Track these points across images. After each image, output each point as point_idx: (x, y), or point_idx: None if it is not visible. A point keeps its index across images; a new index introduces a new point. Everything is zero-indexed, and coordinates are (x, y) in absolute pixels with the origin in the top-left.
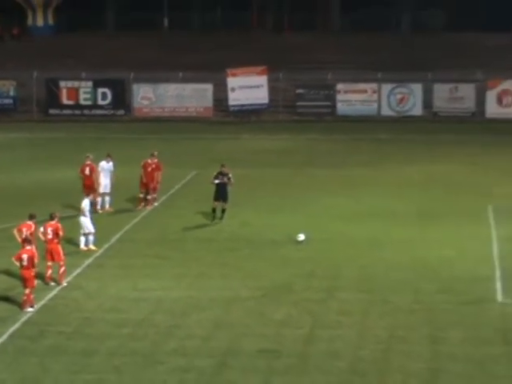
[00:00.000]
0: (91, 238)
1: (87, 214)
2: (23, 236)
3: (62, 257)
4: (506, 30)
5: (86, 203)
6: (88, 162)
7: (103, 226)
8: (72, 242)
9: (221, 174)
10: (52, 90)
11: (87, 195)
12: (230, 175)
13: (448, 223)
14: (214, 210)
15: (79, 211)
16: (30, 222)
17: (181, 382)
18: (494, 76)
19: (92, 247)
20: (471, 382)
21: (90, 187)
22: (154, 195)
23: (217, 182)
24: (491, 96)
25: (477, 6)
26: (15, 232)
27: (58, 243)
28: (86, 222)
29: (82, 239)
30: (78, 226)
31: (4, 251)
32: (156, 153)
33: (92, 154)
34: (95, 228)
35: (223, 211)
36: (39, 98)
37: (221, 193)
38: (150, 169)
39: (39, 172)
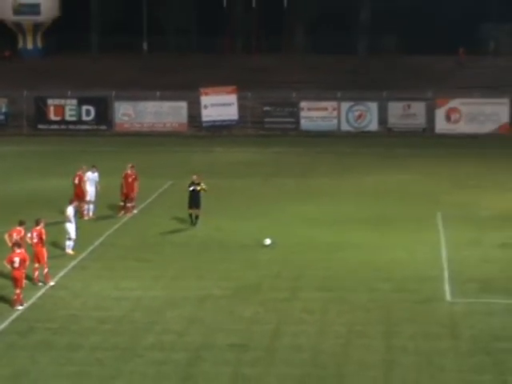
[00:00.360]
0: (71, 243)
1: (72, 220)
2: (13, 240)
3: (45, 259)
4: (452, 53)
5: (70, 210)
6: (79, 173)
7: (87, 231)
8: (59, 245)
9: (193, 184)
10: (40, 107)
11: (70, 203)
12: (202, 184)
13: (401, 228)
14: (190, 216)
15: (65, 218)
16: (19, 228)
17: (158, 374)
18: (443, 95)
19: (70, 252)
20: (421, 373)
21: (78, 195)
22: (133, 203)
23: (191, 188)
24: (440, 113)
25: (427, 32)
26: (6, 237)
27: (42, 247)
28: (70, 228)
29: (68, 243)
30: (64, 231)
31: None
32: (130, 165)
33: (79, 165)
34: (77, 235)
35: (196, 217)
36: (29, 114)
37: (194, 200)
38: (130, 179)
39: (29, 182)
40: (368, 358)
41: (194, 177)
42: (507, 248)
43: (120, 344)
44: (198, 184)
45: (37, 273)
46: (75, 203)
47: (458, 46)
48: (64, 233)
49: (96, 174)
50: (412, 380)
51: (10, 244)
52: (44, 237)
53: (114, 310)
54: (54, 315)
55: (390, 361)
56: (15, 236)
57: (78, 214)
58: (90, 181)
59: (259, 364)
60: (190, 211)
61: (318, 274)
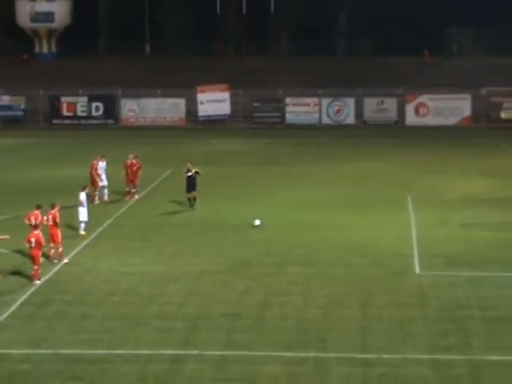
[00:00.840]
0: (83, 225)
1: (84, 204)
2: (32, 223)
3: (59, 240)
4: (421, 55)
5: (82, 196)
6: (94, 162)
7: (97, 214)
8: (72, 227)
9: (189, 171)
10: (54, 104)
11: (83, 189)
12: (197, 169)
13: (375, 210)
14: (189, 199)
15: (78, 202)
16: (37, 211)
17: (162, 341)
18: (412, 92)
19: (82, 233)
20: (393, 339)
21: (92, 182)
22: (137, 189)
23: (189, 174)
24: (410, 108)
25: (398, 35)
26: (25, 220)
27: (56, 228)
28: (82, 212)
29: (80, 225)
30: (77, 214)
31: (17, 235)
32: (131, 155)
33: (90, 156)
34: (89, 217)
35: (194, 199)
36: (44, 111)
37: (191, 185)
38: (134, 168)
39: (45, 170)
40: (346, 326)
41: (189, 164)
42: (469, 227)
43: (127, 314)
44: (193, 170)
45: (52, 251)
46: (87, 189)
47: (426, 48)
48: (77, 215)
49: (105, 163)
50: (385, 345)
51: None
52: (58, 220)
53: (121, 284)
54: (68, 289)
55: (366, 328)
56: (33, 219)
57: (90, 198)
58: (101, 169)
59: (250, 331)
60: (189, 195)
61: (302, 252)
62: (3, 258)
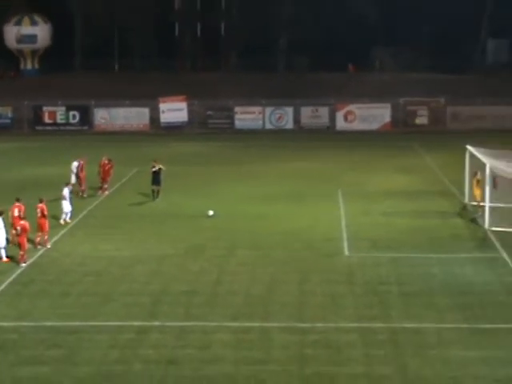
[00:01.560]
0: (66, 215)
1: (67, 198)
2: (16, 214)
3: (47, 229)
4: (345, 70)
5: (65, 191)
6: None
7: (75, 206)
8: (55, 218)
9: (154, 167)
10: (37, 113)
11: (66, 185)
12: (161, 166)
13: (311, 202)
14: (152, 192)
15: (61, 196)
16: (18, 204)
17: (128, 314)
18: (342, 101)
19: (64, 222)
20: (327, 311)
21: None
22: (107, 185)
23: (154, 170)
24: (339, 115)
25: (329, 54)
26: (9, 212)
27: (45, 219)
28: (65, 204)
29: (63, 216)
30: (60, 206)
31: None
32: (106, 156)
33: (68, 157)
34: (73, 208)
35: (158, 192)
36: (28, 119)
37: (156, 179)
38: (106, 167)
39: (30, 169)
40: (286, 300)
41: (154, 162)
42: (389, 215)
43: (99, 291)
44: (158, 166)
45: (38, 239)
46: (70, 185)
47: (352, 65)
48: (60, 207)
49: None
50: (320, 316)
51: (12, 217)
52: (46, 212)
53: (94, 266)
54: (49, 270)
55: (303, 301)
56: (17, 211)
57: (74, 193)
58: (74, 168)
59: (204, 305)
60: (153, 187)
61: (248, 237)
62: None
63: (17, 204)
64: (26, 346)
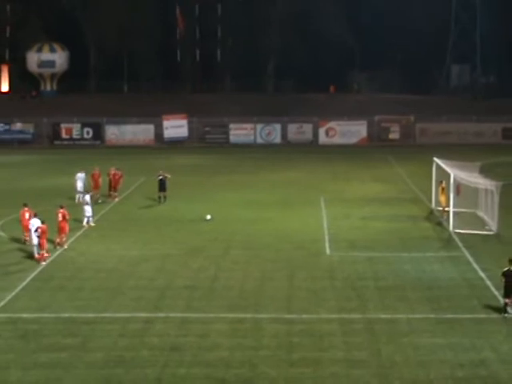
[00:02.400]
0: (91, 218)
1: (89, 203)
2: (26, 217)
3: (67, 231)
4: (329, 91)
5: (87, 197)
6: (96, 172)
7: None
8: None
9: (160, 175)
10: (56, 129)
11: (87, 192)
12: (166, 174)
13: (297, 208)
14: (159, 198)
15: (83, 202)
16: (26, 208)
17: (136, 306)
18: (323, 119)
19: (92, 224)
20: (311, 303)
21: (97, 187)
22: (117, 193)
23: (160, 178)
24: (322, 131)
25: (312, 77)
26: (20, 215)
27: (65, 223)
28: (88, 209)
29: (85, 219)
30: (82, 211)
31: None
32: (113, 167)
33: (82, 168)
34: (93, 213)
35: (164, 198)
36: (48, 134)
37: (162, 186)
38: (117, 177)
39: (48, 179)
40: (276, 294)
41: (161, 171)
42: (366, 220)
43: (110, 286)
44: (164, 175)
45: (58, 240)
46: (91, 192)
47: (328, 86)
48: (83, 212)
49: (83, 175)
50: (305, 308)
51: (23, 221)
52: (67, 216)
53: (106, 264)
54: (66, 268)
55: (290, 295)
56: (27, 215)
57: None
58: (80, 179)
59: (203, 299)
60: (159, 194)
61: (242, 239)
62: (18, 246)
63: (26, 209)
64: (45, 335)
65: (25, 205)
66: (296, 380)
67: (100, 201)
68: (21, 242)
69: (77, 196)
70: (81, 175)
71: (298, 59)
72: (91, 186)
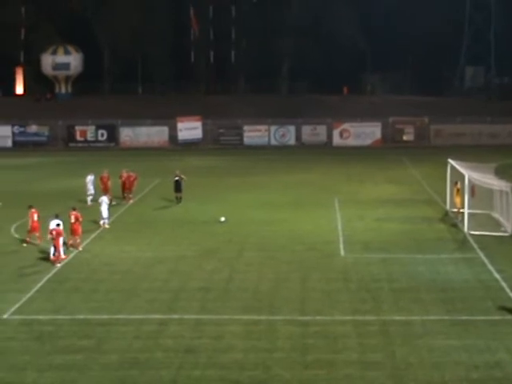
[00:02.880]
0: (107, 220)
1: (104, 205)
2: (35, 219)
3: (80, 233)
4: (342, 93)
5: (103, 199)
6: (105, 174)
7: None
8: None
9: (176, 176)
10: (70, 131)
11: (104, 194)
12: (183, 176)
13: (311, 209)
14: (176, 198)
15: (100, 203)
16: (33, 210)
17: (150, 308)
18: (338, 120)
19: (106, 226)
20: (325, 305)
21: (106, 190)
22: (131, 195)
23: (176, 179)
24: (336, 133)
25: (326, 79)
26: (29, 216)
27: (78, 225)
28: (104, 210)
29: (101, 221)
30: (99, 212)
31: (42, 231)
32: (125, 170)
33: (94, 170)
34: (109, 214)
35: (180, 198)
36: (63, 136)
37: (178, 187)
38: (131, 179)
39: (63, 181)
40: (290, 296)
41: (177, 172)
42: (380, 221)
43: (125, 288)
44: (179, 176)
45: (71, 242)
46: (108, 194)
47: (342, 88)
48: (100, 213)
49: (93, 177)
50: (319, 309)
51: (31, 221)
52: (80, 218)
53: (120, 266)
54: (81, 269)
55: (304, 297)
56: (36, 216)
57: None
58: (90, 181)
59: (218, 300)
60: (176, 194)
61: (256, 240)
62: (33, 248)
63: (32, 210)
64: (60, 337)
65: (30, 206)
66: (310, 382)
67: (114, 203)
68: (36, 243)
69: (88, 198)
70: (90, 177)
71: (311, 61)
72: (100, 189)
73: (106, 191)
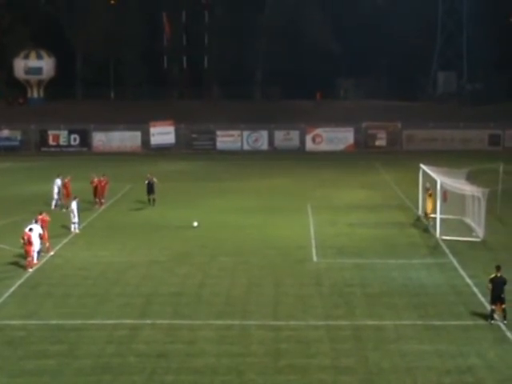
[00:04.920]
0: (77, 225)
1: (74, 210)
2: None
3: (46, 238)
4: (313, 98)
5: (73, 204)
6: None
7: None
8: (62, 228)
9: (148, 179)
10: (43, 136)
11: (74, 198)
12: (154, 179)
13: (284, 214)
14: (148, 200)
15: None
16: (41, 216)
17: (123, 313)
18: (310, 125)
19: (77, 231)
20: (297, 309)
21: (68, 195)
22: (103, 200)
23: (147, 182)
24: (309, 138)
25: (299, 84)
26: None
27: (45, 229)
28: (74, 216)
29: (72, 226)
30: (69, 217)
31: (13, 236)
32: (95, 175)
33: (68, 175)
34: (79, 219)
35: (154, 200)
36: (35, 141)
37: (151, 189)
38: (103, 183)
39: (36, 186)
40: (263, 300)
41: (149, 175)
42: (353, 226)
43: (97, 293)
44: (151, 179)
45: (40, 246)
46: (77, 199)
47: (315, 93)
48: (69, 218)
49: (59, 181)
50: (291, 314)
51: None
52: (46, 223)
53: (93, 271)
54: (53, 275)
55: (277, 302)
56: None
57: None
58: (56, 185)
59: (190, 305)
60: (149, 197)
61: (228, 245)
62: (5, 253)
63: (41, 217)
64: (32, 342)
65: (40, 213)
66: None
67: (64, 210)
68: (6, 249)
69: (53, 202)
70: (58, 181)
71: (284, 66)
72: (63, 194)
73: (68, 197)
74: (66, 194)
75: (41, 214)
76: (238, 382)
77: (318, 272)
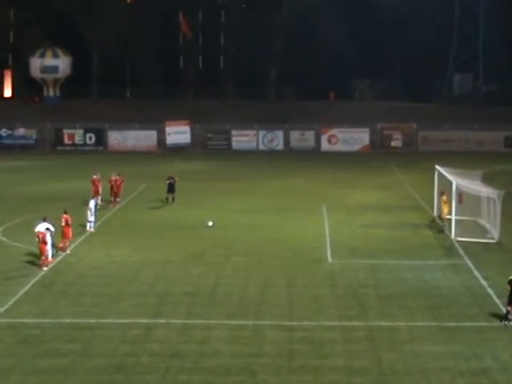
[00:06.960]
0: (93, 224)
1: (92, 208)
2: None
3: (71, 237)
4: (326, 98)
5: (91, 202)
6: (96, 177)
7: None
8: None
9: (170, 178)
10: (58, 135)
11: (93, 197)
12: (176, 178)
13: (298, 215)
14: (166, 199)
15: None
16: (65, 215)
17: (137, 312)
18: (326, 126)
19: (92, 230)
20: (311, 310)
21: (96, 192)
22: (119, 199)
23: (168, 182)
24: (324, 138)
25: (314, 85)
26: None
27: (69, 228)
28: (89, 214)
29: (88, 225)
30: (85, 216)
31: (27, 234)
32: (114, 174)
33: (83, 173)
34: (96, 219)
35: (173, 199)
36: (50, 140)
37: (171, 188)
38: (118, 182)
39: (51, 184)
40: (277, 301)
41: (171, 174)
42: (367, 227)
43: (111, 292)
44: (173, 178)
45: (61, 245)
46: (96, 197)
47: (327, 94)
48: (86, 217)
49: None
50: (305, 315)
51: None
52: (70, 222)
53: (107, 270)
54: (67, 273)
55: (291, 302)
56: (63, 221)
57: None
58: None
59: (204, 305)
60: (167, 195)
61: (242, 245)
62: (20, 251)
63: (65, 215)
64: (46, 341)
65: (65, 212)
66: None
67: (98, 206)
68: (22, 247)
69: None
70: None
71: (299, 66)
72: (91, 192)
73: (97, 194)
74: (94, 192)
75: (65, 212)
76: (252, 383)
77: (332, 273)
